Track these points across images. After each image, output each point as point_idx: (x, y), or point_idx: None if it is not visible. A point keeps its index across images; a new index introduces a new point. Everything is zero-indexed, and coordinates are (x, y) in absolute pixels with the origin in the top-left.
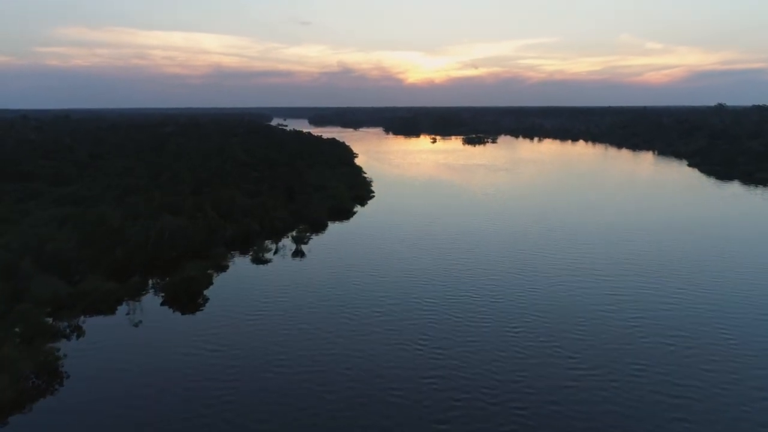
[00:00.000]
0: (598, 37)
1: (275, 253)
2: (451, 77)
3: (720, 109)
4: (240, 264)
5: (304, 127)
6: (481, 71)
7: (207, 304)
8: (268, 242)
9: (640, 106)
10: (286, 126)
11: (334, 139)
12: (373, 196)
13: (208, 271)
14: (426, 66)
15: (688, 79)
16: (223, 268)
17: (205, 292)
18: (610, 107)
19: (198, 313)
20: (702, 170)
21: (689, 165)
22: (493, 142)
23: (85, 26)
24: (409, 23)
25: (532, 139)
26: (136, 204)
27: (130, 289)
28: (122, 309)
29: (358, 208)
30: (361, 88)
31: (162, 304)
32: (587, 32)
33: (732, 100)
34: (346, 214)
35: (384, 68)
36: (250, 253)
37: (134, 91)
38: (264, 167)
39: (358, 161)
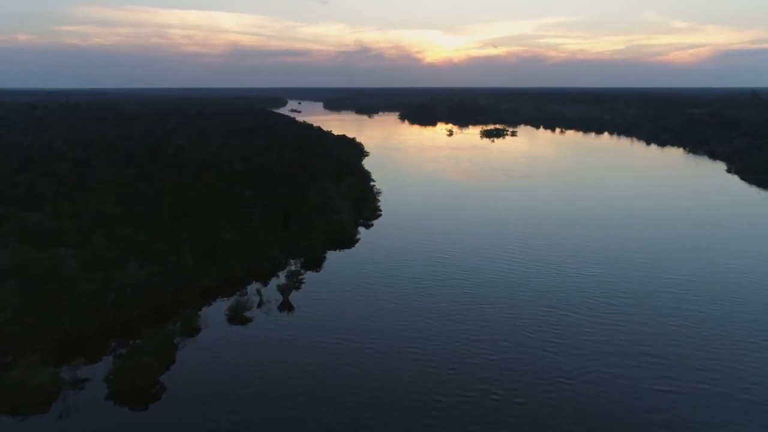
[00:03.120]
0: (621, 14)
1: (259, 306)
2: (471, 57)
3: (754, 97)
4: (214, 325)
5: (319, 111)
6: (501, 50)
7: (163, 396)
8: (253, 288)
9: (665, 87)
10: (300, 112)
11: (344, 137)
12: (380, 215)
13: (174, 340)
14: (445, 45)
15: (716, 59)
16: (193, 332)
17: (163, 377)
18: (634, 89)
19: (150, 408)
20: (743, 178)
21: (728, 171)
22: (513, 135)
23: (105, 5)
24: (428, 1)
25: (553, 130)
26: (102, 245)
27: (70, 374)
28: (56, 408)
29: (361, 232)
30: (378, 68)
31: (107, 397)
32: (610, 10)
33: (762, 82)
34: (347, 242)
35: (402, 47)
36: (228, 310)
37: (152, 70)
38: (261, 179)
39: (368, 161)
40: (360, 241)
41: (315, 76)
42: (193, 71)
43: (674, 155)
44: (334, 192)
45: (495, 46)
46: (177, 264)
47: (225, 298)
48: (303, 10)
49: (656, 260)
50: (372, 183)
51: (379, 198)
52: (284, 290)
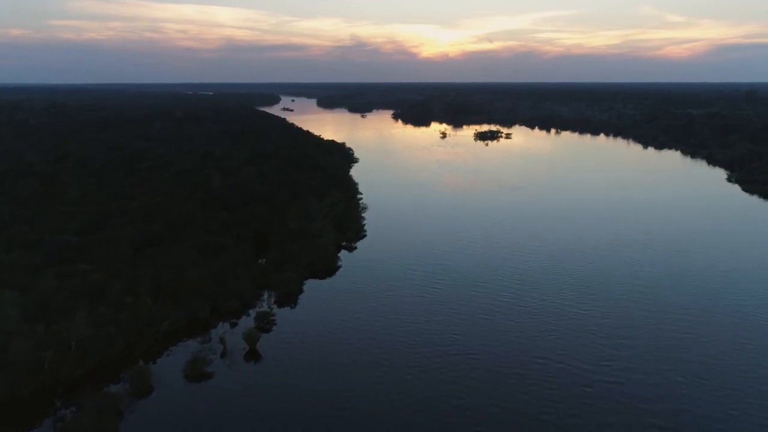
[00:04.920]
0: (617, 9)
1: (222, 356)
2: (466, 51)
3: (751, 95)
4: (169, 382)
5: (312, 109)
6: (497, 45)
7: None
8: (218, 332)
9: (661, 82)
10: (292, 111)
11: (333, 142)
12: (365, 236)
13: (120, 406)
14: (441, 40)
15: (711, 54)
16: (145, 393)
17: None
18: (630, 84)
19: None
20: (745, 189)
21: (729, 180)
22: (507, 137)
23: None
24: None
25: (549, 130)
26: (51, 287)
27: None
28: None
29: (343, 258)
30: (374, 62)
31: None
32: (606, 4)
33: (757, 77)
34: (327, 271)
35: (398, 42)
36: (186, 365)
37: (146, 65)
38: (239, 199)
39: (357, 169)
40: (341, 269)
41: (310, 72)
42: (188, 66)
43: (673, 161)
44: (316, 211)
45: (491, 41)
46: (133, 307)
47: (187, 341)
48: (299, 4)
49: (658, 291)
50: (359, 196)
51: (364, 215)
52: (250, 338)
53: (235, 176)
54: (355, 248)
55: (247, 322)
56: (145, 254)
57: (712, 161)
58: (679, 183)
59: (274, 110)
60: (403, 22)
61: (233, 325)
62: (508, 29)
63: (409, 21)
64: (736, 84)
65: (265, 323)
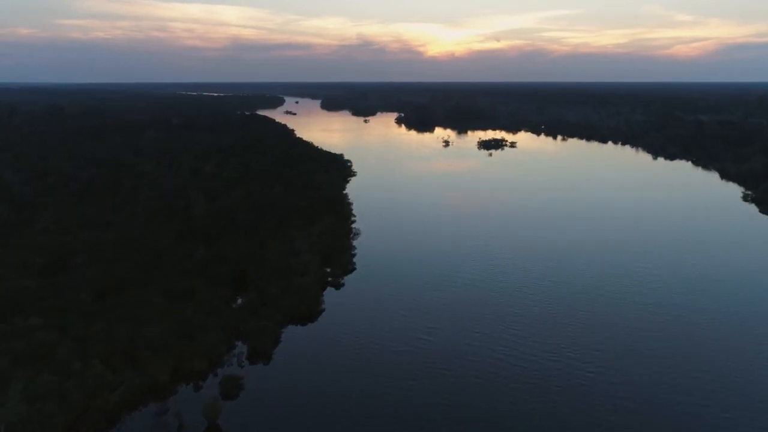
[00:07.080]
0: (624, 7)
1: None
2: (473, 50)
3: (763, 101)
4: None
5: (315, 111)
6: (504, 44)
7: None
8: (176, 401)
9: (668, 82)
10: (295, 114)
11: (330, 154)
12: (354, 269)
13: None
14: (447, 39)
15: (720, 53)
16: None
17: None
18: (637, 83)
19: None
20: (763, 210)
21: (744, 199)
22: (512, 146)
23: None
24: None
25: (555, 137)
26: None
27: None
28: None
29: (327, 300)
30: (379, 62)
31: None
32: (613, 2)
33: (766, 76)
34: (309, 315)
35: (404, 41)
36: None
37: (153, 64)
38: (220, 226)
39: (353, 184)
40: (324, 312)
41: (315, 71)
42: (194, 65)
43: (685, 176)
44: (302, 243)
45: (497, 40)
46: (82, 374)
47: (142, 410)
48: (304, 2)
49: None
50: (352, 218)
51: (355, 243)
52: (210, 411)
53: (221, 199)
54: (343, 284)
55: (213, 383)
56: (106, 302)
57: (725, 175)
58: (694, 204)
59: (278, 113)
60: (408, 21)
61: (197, 389)
62: (515, 28)
63: (414, 20)
64: (745, 84)
65: (231, 387)
